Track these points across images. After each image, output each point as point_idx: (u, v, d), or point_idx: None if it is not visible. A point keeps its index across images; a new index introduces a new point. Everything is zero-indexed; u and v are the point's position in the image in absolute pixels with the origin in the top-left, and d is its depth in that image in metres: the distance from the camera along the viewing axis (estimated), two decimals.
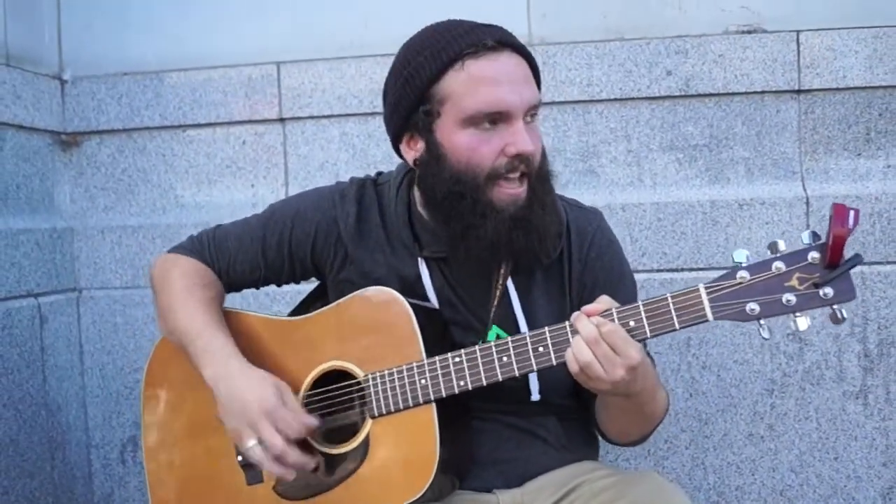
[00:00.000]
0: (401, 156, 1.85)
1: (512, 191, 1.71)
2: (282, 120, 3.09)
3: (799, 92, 2.86)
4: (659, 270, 2.84)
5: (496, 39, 1.70)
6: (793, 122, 2.87)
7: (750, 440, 2.84)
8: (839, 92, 2.86)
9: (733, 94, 2.88)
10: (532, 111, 1.73)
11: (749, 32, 2.88)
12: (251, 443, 1.69)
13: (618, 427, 1.86)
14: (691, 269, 2.82)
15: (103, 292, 3.12)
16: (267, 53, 3.09)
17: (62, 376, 2.99)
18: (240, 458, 1.85)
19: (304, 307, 2.02)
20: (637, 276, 2.02)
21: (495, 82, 1.68)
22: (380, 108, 2.97)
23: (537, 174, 1.74)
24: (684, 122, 2.90)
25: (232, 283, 1.99)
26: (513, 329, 1.78)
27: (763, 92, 2.87)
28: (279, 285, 2.03)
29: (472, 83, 1.68)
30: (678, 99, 2.90)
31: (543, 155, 1.78)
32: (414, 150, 1.79)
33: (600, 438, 1.96)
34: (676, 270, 2.84)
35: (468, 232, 1.73)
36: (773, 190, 2.85)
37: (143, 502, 3.08)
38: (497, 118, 1.69)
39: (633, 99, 2.91)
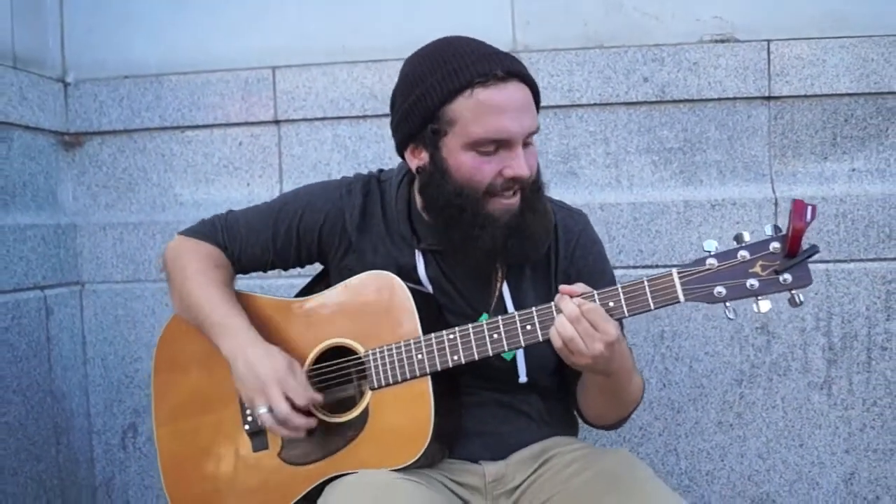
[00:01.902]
0: (404, 159, 1.96)
1: (507, 201, 1.84)
2: (277, 122, 3.19)
3: (769, 98, 2.97)
4: (635, 266, 2.97)
5: (505, 70, 1.79)
6: (763, 127, 2.99)
7: (720, 428, 2.96)
8: (807, 99, 2.96)
9: (707, 100, 2.99)
10: (530, 136, 1.85)
11: (722, 41, 2.99)
12: (263, 409, 1.84)
13: (596, 409, 1.98)
14: (665, 266, 2.88)
15: (105, 286, 3.21)
16: (263, 58, 3.18)
17: (66, 365, 3.09)
18: (247, 426, 1.99)
19: (307, 291, 2.14)
20: (615, 272, 2.15)
21: (501, 111, 1.78)
22: (370, 111, 3.15)
23: (531, 187, 1.86)
24: (660, 127, 3.02)
25: (242, 265, 2.11)
26: None
27: (735, 98, 2.98)
28: (285, 269, 2.15)
29: (480, 111, 1.78)
30: (654, 104, 3.01)
31: (538, 172, 1.90)
32: (418, 159, 1.90)
33: (580, 421, 2.10)
34: (651, 267, 2.96)
35: (467, 242, 1.85)
36: (744, 191, 2.97)
37: (143, 487, 3.22)
38: (499, 144, 1.80)
39: (611, 104, 3.02)
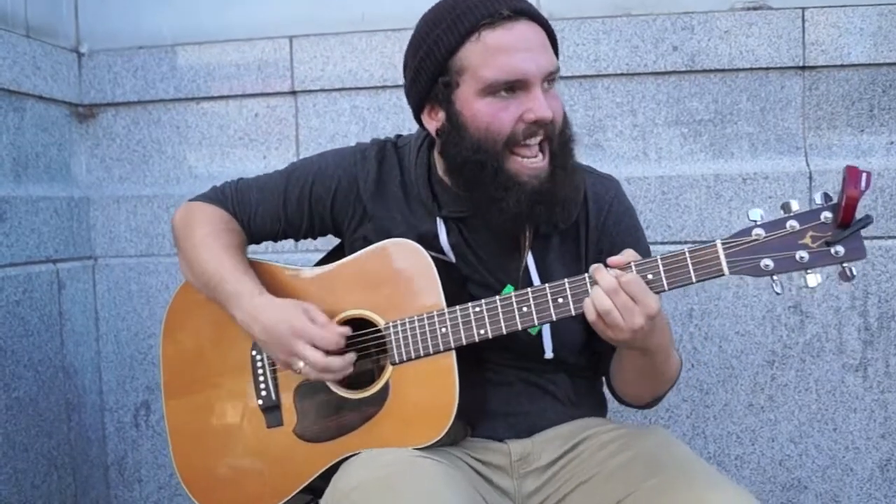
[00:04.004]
0: (423, 126, 1.88)
1: (533, 165, 1.73)
2: (294, 93, 3.13)
3: (803, 68, 2.89)
4: (663, 242, 2.88)
5: (512, 8, 1.71)
6: (797, 98, 2.90)
7: (750, 410, 2.88)
8: (843, 69, 2.88)
9: (738, 69, 2.90)
10: (550, 77, 1.74)
11: (755, 9, 2.90)
12: (300, 365, 1.77)
13: (632, 388, 1.89)
14: (695, 242, 2.85)
15: (118, 260, 3.17)
16: (279, 28, 3.12)
17: (78, 341, 3.05)
18: (260, 401, 1.91)
19: (323, 264, 2.04)
20: None
21: (512, 51, 1.69)
22: (389, 81, 3.08)
23: (559, 140, 1.76)
24: (689, 98, 2.93)
25: (253, 233, 2.04)
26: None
27: (768, 68, 2.89)
28: (297, 240, 2.07)
29: (489, 53, 1.70)
30: (684, 74, 2.92)
31: (565, 120, 1.79)
32: (435, 121, 1.81)
33: (610, 401, 2.01)
34: (680, 242, 2.87)
35: (491, 205, 1.76)
36: (777, 165, 2.88)
37: (156, 465, 3.16)
38: (514, 86, 1.71)
39: (639, 74, 2.94)
